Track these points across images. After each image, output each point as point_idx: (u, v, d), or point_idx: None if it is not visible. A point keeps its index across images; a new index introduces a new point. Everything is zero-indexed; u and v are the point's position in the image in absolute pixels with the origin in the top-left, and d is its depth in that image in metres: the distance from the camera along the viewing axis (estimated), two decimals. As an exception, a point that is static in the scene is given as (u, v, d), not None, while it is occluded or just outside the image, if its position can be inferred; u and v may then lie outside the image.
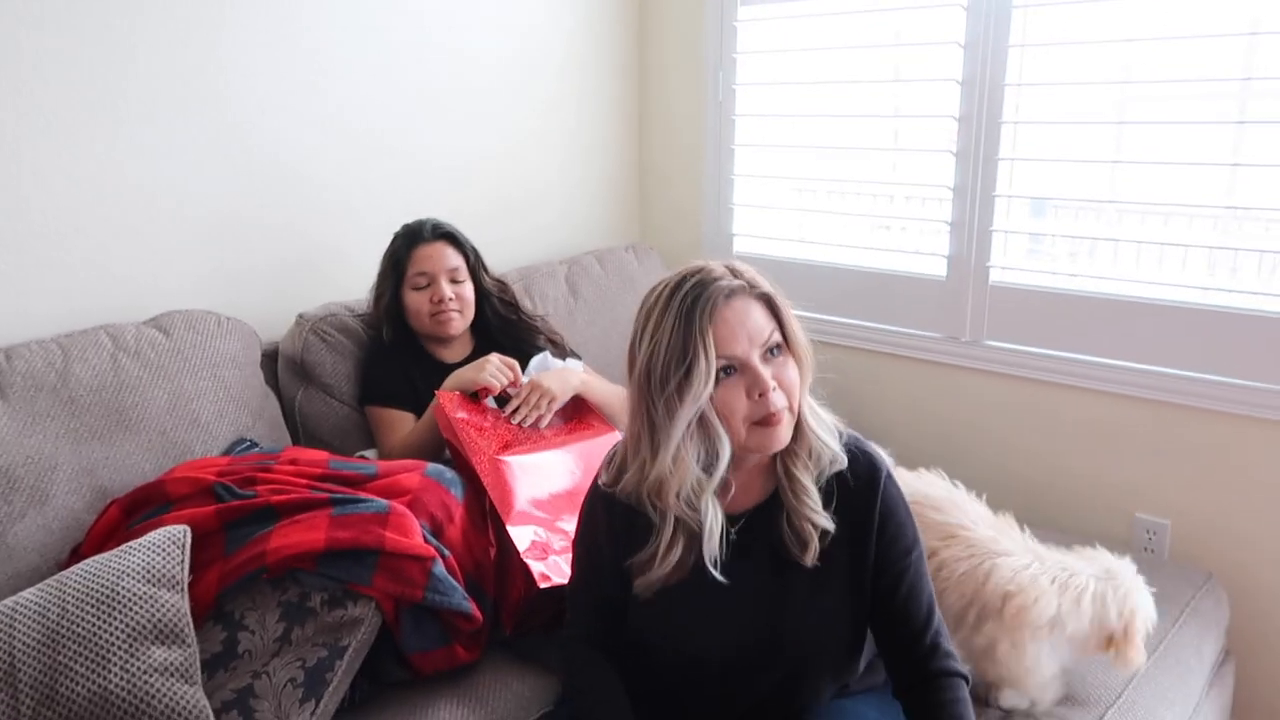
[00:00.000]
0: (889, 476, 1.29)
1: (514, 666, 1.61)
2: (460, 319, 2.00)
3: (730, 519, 1.27)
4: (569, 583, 1.43)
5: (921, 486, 1.68)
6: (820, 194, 2.66)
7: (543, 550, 1.60)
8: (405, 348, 2.02)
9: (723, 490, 1.25)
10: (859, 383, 2.54)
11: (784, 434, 1.20)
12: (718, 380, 1.17)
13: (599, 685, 1.33)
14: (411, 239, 2.00)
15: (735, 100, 2.69)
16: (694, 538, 1.24)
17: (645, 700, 1.32)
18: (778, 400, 1.18)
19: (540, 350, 2.01)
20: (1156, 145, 2.08)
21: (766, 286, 1.22)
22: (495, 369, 1.86)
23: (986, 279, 2.30)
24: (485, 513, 1.66)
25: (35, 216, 1.78)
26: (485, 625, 1.55)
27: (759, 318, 1.19)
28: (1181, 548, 2.13)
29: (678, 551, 1.24)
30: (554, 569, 1.57)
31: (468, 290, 2.02)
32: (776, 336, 1.20)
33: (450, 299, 1.97)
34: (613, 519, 1.30)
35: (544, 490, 1.71)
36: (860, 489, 1.27)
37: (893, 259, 2.50)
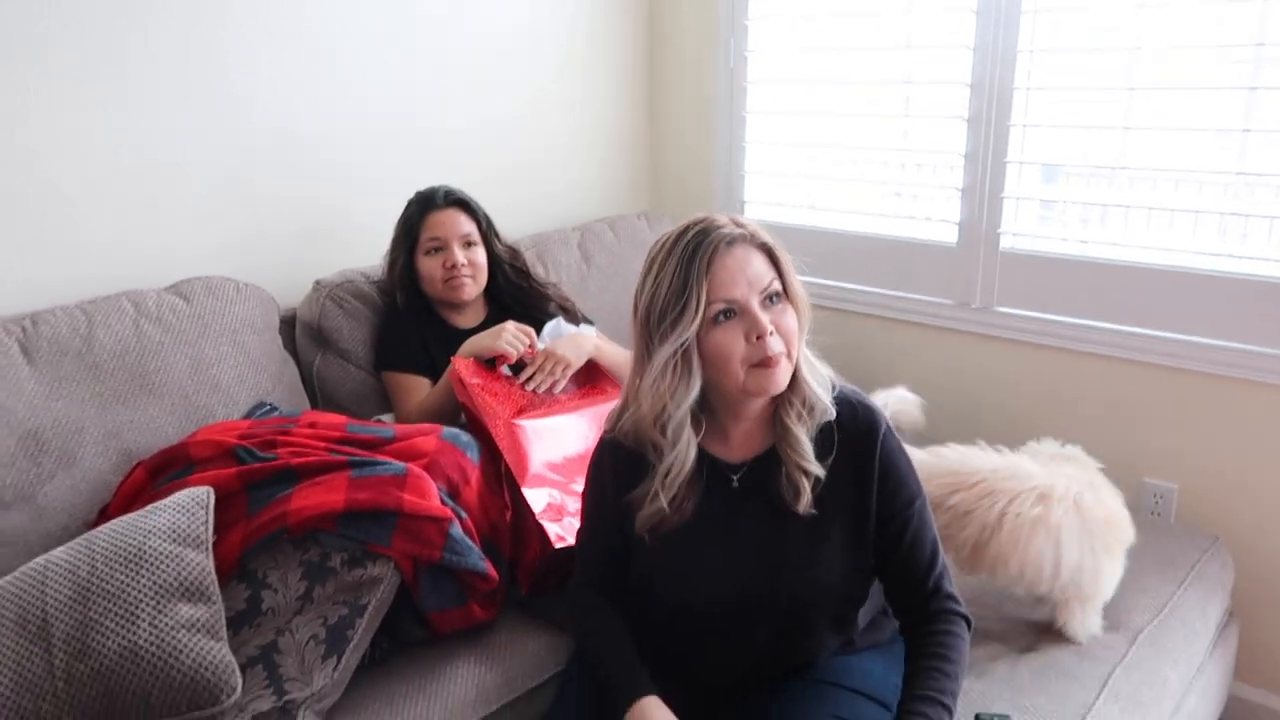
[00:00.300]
0: (888, 429, 1.32)
1: (530, 626, 1.65)
2: (473, 284, 2.02)
3: (732, 468, 1.31)
4: (578, 535, 1.47)
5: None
6: (831, 161, 2.66)
7: (558, 512, 1.63)
8: (419, 314, 2.04)
9: (723, 440, 1.32)
10: (870, 348, 2.55)
11: (781, 377, 1.24)
12: (716, 322, 1.22)
13: (605, 629, 1.37)
14: (424, 205, 2.02)
15: (747, 67, 2.68)
16: (692, 480, 1.29)
17: (651, 657, 1.35)
18: (774, 344, 1.22)
19: (552, 317, 2.04)
20: (1168, 111, 2.07)
21: (767, 237, 1.27)
22: (511, 336, 1.88)
23: (997, 245, 2.30)
24: (500, 475, 1.70)
25: (57, 187, 1.80)
26: (501, 585, 1.59)
27: (759, 265, 1.24)
28: (1188, 512, 2.15)
29: (672, 490, 1.28)
30: (569, 530, 1.60)
31: (480, 256, 2.04)
32: (776, 285, 1.25)
33: (463, 264, 1.99)
34: (616, 464, 1.35)
35: (558, 454, 1.74)
36: (859, 441, 1.30)
37: (903, 225, 2.51)
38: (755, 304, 1.23)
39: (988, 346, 2.39)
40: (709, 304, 1.21)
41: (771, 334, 1.22)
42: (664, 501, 1.28)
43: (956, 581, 1.36)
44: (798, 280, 1.28)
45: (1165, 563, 1.85)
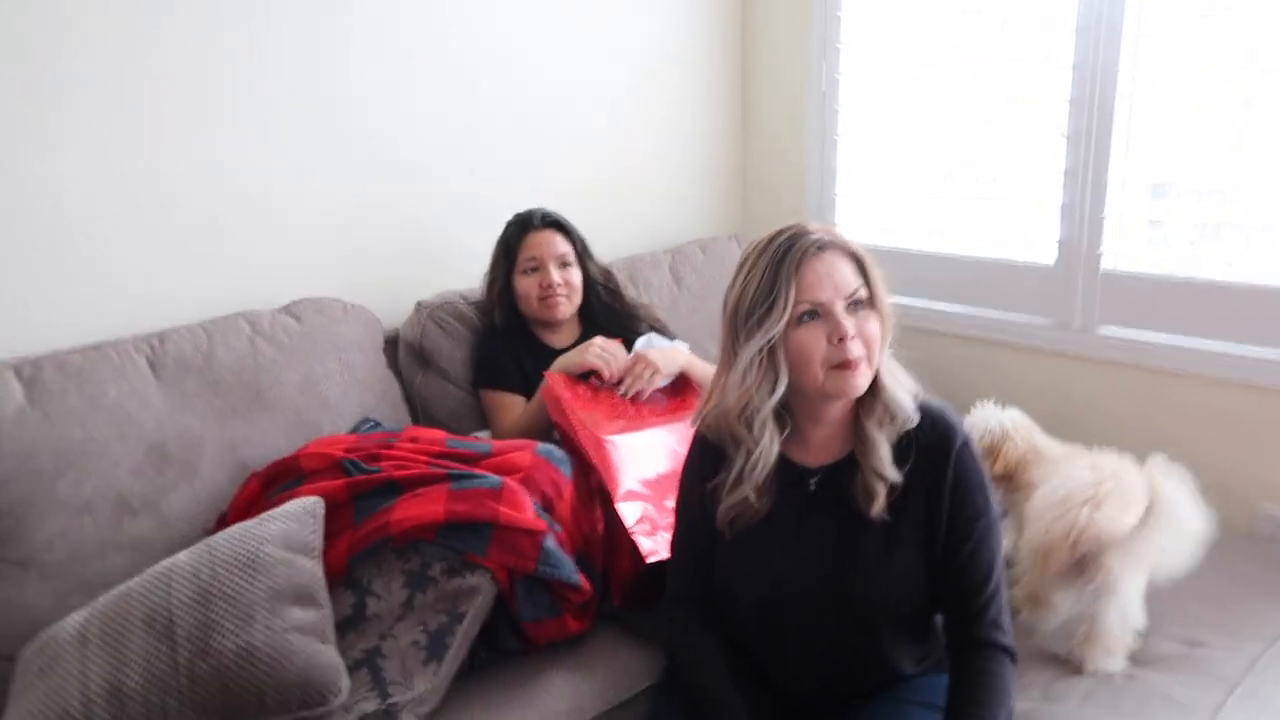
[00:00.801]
0: (966, 441, 1.33)
1: (623, 638, 1.67)
2: (567, 304, 2.08)
3: (809, 472, 1.34)
4: (671, 546, 1.49)
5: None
6: (924, 182, 2.64)
7: (651, 525, 1.66)
8: (516, 333, 2.11)
9: (802, 444, 1.35)
10: (967, 370, 2.51)
11: (860, 381, 1.26)
12: (800, 322, 1.25)
13: (700, 654, 1.38)
14: (522, 226, 2.09)
15: (839, 90, 2.69)
16: (769, 480, 1.32)
17: (734, 664, 1.37)
18: (855, 348, 1.25)
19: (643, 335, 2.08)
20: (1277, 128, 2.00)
21: (857, 247, 1.30)
22: (599, 351, 1.93)
23: (1098, 265, 2.25)
24: (593, 490, 1.73)
25: (181, 211, 1.92)
26: (594, 597, 1.62)
27: (846, 272, 1.27)
28: (1309, 542, 2.06)
29: (753, 482, 1.31)
30: (661, 545, 1.62)
31: (575, 276, 2.10)
32: (862, 292, 1.27)
33: (558, 284, 2.05)
34: (704, 459, 1.39)
35: (651, 470, 1.77)
36: (935, 450, 1.31)
37: (999, 246, 2.47)
38: (839, 308, 1.25)
39: (1088, 368, 2.33)
40: (795, 304, 1.24)
41: (853, 338, 1.25)
42: (749, 491, 1.31)
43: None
44: (884, 290, 1.30)
45: (1283, 593, 1.77)
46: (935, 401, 1.36)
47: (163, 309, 1.92)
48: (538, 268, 2.06)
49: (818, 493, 1.34)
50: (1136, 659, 1.61)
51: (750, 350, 1.26)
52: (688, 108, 2.81)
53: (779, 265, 1.25)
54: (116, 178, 1.83)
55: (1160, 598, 1.76)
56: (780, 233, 1.29)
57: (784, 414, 1.32)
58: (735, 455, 1.32)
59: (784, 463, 1.34)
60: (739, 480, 1.31)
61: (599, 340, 1.96)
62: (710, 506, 1.36)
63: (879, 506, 1.29)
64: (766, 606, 1.35)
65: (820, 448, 1.36)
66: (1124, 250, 2.24)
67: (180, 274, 1.95)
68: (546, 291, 2.06)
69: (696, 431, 1.41)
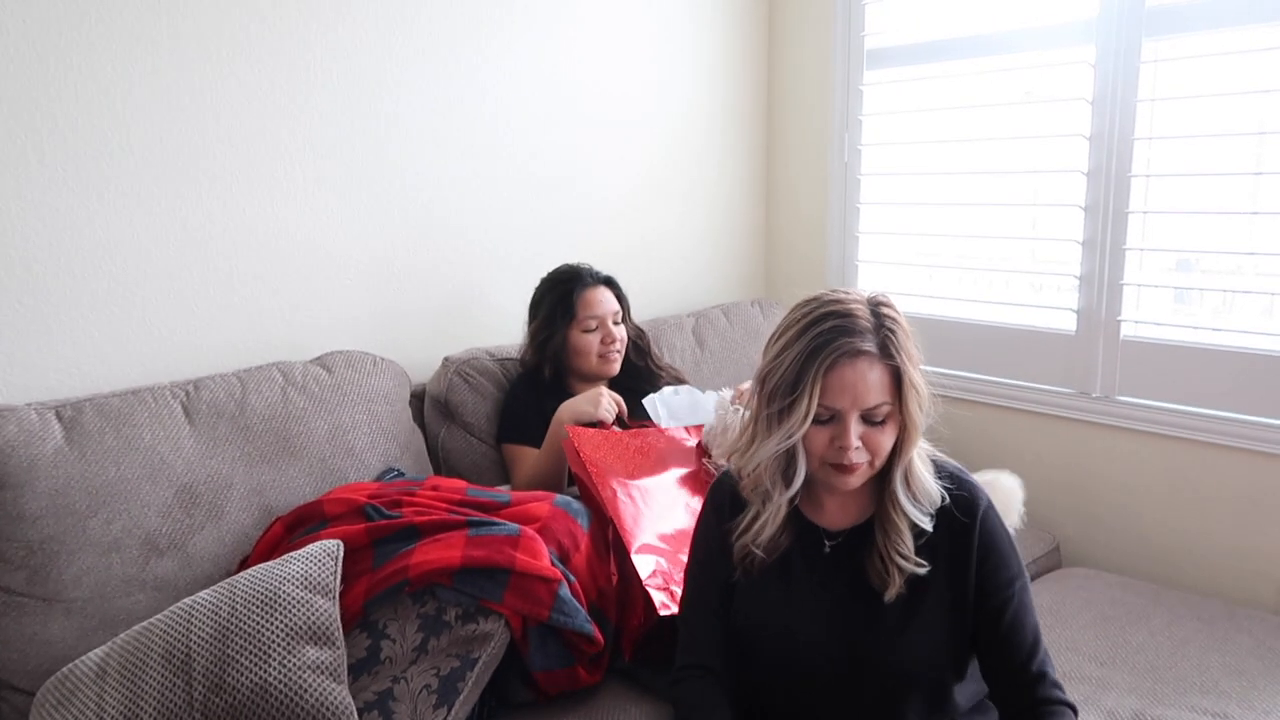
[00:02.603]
0: (989, 507, 1.31)
1: (633, 693, 1.67)
2: (620, 359, 2.14)
3: (826, 534, 1.34)
4: (680, 601, 1.49)
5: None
6: (945, 250, 2.68)
7: (665, 579, 1.67)
8: (552, 386, 2.15)
9: (819, 506, 1.35)
10: (987, 438, 2.51)
11: (854, 483, 1.27)
12: (817, 421, 1.24)
13: (704, 700, 1.36)
14: (578, 282, 2.15)
15: (861, 160, 2.76)
16: (785, 538, 1.33)
17: None
18: (855, 457, 1.23)
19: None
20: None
21: (900, 359, 1.23)
22: (609, 405, 1.99)
23: (1118, 333, 2.26)
24: (609, 543, 1.75)
25: (224, 268, 2.01)
26: (606, 650, 1.63)
27: (874, 383, 1.22)
28: (1338, 618, 2.01)
29: (771, 528, 1.31)
30: (674, 599, 1.63)
31: (623, 332, 2.17)
32: (885, 409, 1.23)
33: (619, 340, 2.12)
34: (723, 499, 1.40)
35: (669, 525, 1.79)
36: (959, 519, 1.30)
37: (1020, 313, 2.49)
38: (853, 418, 1.22)
39: (1109, 437, 2.32)
40: (816, 408, 1.22)
41: (856, 449, 1.23)
42: (764, 539, 1.31)
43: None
44: (918, 401, 1.25)
45: (1309, 669, 1.73)
46: (954, 465, 1.35)
47: (204, 358, 1.99)
48: (598, 325, 2.12)
49: (833, 556, 1.34)
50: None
51: (770, 445, 1.25)
52: (714, 175, 2.89)
53: (809, 361, 1.21)
54: (169, 238, 1.93)
55: (1185, 669, 1.73)
56: (826, 315, 1.23)
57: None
58: (753, 501, 1.34)
59: (801, 519, 1.35)
60: (751, 524, 1.33)
61: (606, 392, 2.01)
62: (728, 549, 1.37)
63: (893, 592, 1.27)
64: (782, 672, 1.34)
65: (838, 510, 1.36)
66: (1144, 318, 2.25)
67: (221, 325, 2.02)
68: (607, 348, 2.12)
69: (718, 473, 1.44)
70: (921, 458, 1.30)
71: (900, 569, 1.27)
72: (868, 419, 1.23)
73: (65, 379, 1.84)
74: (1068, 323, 2.36)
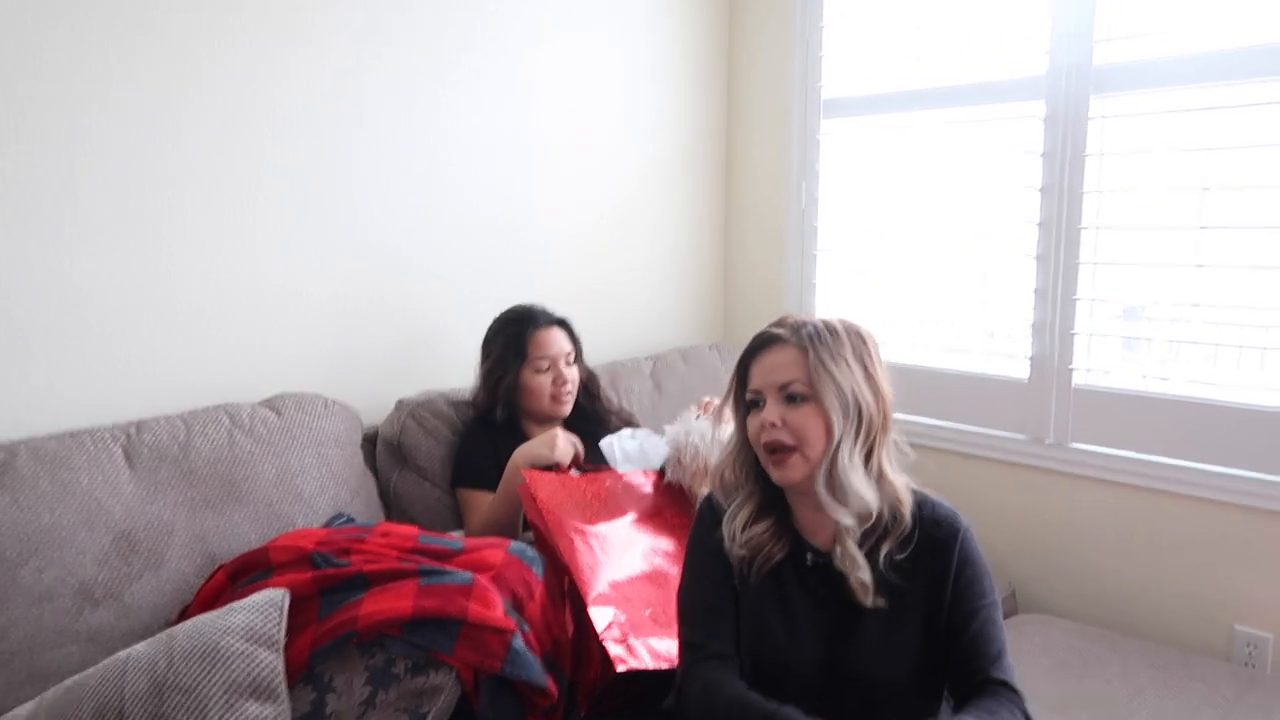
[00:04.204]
0: (968, 531, 1.38)
1: (587, 748, 1.63)
2: (571, 400, 2.11)
3: (808, 547, 1.40)
4: (678, 614, 1.46)
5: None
6: (900, 297, 2.71)
7: (622, 632, 1.63)
8: (506, 428, 2.11)
9: (803, 521, 1.41)
10: (941, 484, 2.50)
11: (788, 472, 1.34)
12: (750, 409, 1.38)
13: (725, 678, 1.34)
14: (530, 322, 2.12)
15: (818, 209, 2.79)
16: (780, 534, 1.40)
17: None
18: (776, 434, 1.33)
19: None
20: (1239, 248, 2.08)
21: (815, 348, 1.33)
22: (564, 446, 1.96)
23: (1070, 381, 2.30)
24: (564, 592, 1.71)
25: (167, 304, 1.95)
26: (560, 703, 1.58)
27: (788, 363, 1.35)
28: (1286, 664, 2.04)
29: (745, 515, 1.41)
30: (631, 653, 1.59)
31: (575, 374, 2.15)
32: (797, 386, 1.34)
33: (570, 381, 2.09)
34: (708, 516, 1.45)
35: (623, 573, 1.75)
36: (941, 541, 1.37)
37: (974, 360, 2.52)
38: (770, 397, 1.35)
39: (1062, 483, 2.35)
40: (745, 394, 1.38)
41: (776, 425, 1.32)
42: (737, 523, 1.39)
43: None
44: (833, 391, 1.31)
45: (1262, 718, 1.75)
46: (934, 497, 1.42)
47: (148, 400, 1.93)
48: (549, 366, 2.09)
49: (815, 570, 1.38)
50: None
51: (727, 437, 1.43)
52: (674, 220, 2.90)
53: (742, 358, 1.41)
54: (112, 277, 1.87)
55: (1142, 718, 1.74)
56: (767, 327, 1.41)
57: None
58: (733, 499, 1.43)
59: (794, 535, 1.40)
60: (735, 515, 1.41)
61: (561, 434, 1.98)
62: (723, 555, 1.40)
63: (868, 599, 1.33)
64: (768, 667, 1.36)
65: (818, 530, 1.39)
66: (1094, 366, 2.29)
67: (168, 366, 1.96)
68: (558, 389, 2.09)
69: (708, 494, 1.50)
70: (856, 468, 1.33)
71: (862, 580, 1.32)
72: (786, 398, 1.33)
73: (11, 418, 1.76)
74: (1021, 370, 2.39)
